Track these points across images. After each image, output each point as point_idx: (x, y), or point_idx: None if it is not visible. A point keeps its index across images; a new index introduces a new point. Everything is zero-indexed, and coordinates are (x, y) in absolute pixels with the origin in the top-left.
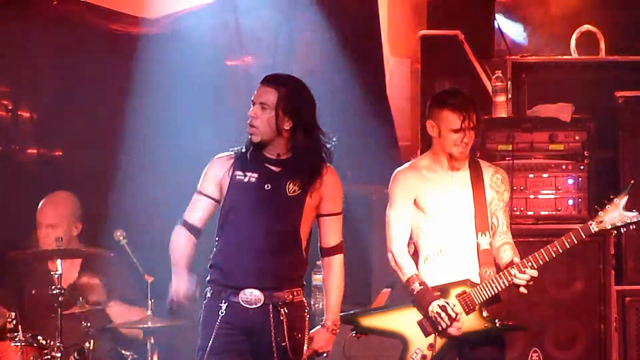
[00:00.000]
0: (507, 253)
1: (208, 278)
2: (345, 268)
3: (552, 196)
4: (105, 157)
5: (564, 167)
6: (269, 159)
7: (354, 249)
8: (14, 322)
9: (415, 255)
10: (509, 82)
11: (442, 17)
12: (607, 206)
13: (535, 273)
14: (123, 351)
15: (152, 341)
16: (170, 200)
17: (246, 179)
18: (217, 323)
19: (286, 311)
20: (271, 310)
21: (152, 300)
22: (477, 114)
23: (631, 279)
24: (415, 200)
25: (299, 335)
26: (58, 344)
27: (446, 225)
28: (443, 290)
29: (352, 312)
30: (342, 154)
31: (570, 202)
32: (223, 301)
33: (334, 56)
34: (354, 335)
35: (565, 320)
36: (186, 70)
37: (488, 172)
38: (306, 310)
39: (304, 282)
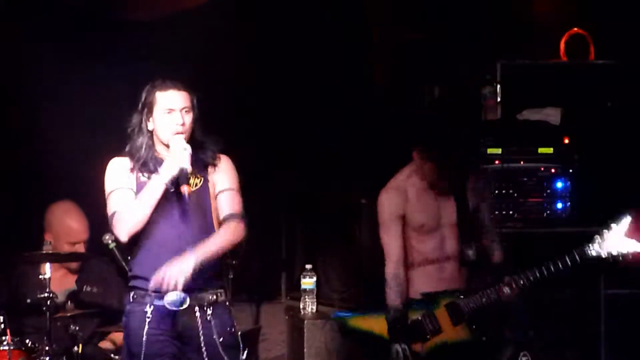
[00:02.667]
0: (496, 253)
1: (130, 284)
2: (334, 271)
3: (541, 200)
4: (90, 160)
5: (553, 170)
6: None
7: (343, 252)
8: (2, 325)
9: (405, 262)
10: (499, 86)
11: None
12: (606, 235)
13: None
14: (112, 355)
15: None
16: None
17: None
18: (145, 329)
19: (212, 310)
20: (197, 310)
21: None
22: None
23: (621, 283)
24: (403, 217)
25: (232, 330)
26: (47, 348)
27: (433, 236)
28: (432, 299)
29: (342, 314)
30: None
31: (560, 205)
32: (148, 305)
33: None
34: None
35: (554, 325)
36: None
37: (471, 177)
38: (231, 310)
39: (230, 278)
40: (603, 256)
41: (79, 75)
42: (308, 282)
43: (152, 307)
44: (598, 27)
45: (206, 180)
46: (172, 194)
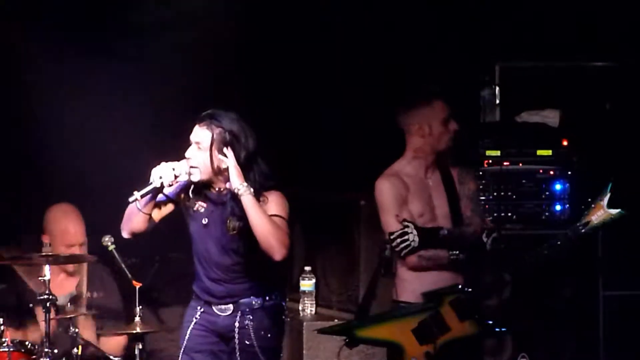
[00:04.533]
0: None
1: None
2: (333, 273)
3: (540, 201)
4: (92, 162)
5: (551, 172)
6: (211, 194)
7: (342, 254)
8: (2, 327)
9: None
10: (497, 88)
11: None
12: (592, 205)
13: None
14: (111, 357)
15: (140, 347)
16: None
17: (195, 208)
18: (192, 324)
19: (251, 317)
20: (238, 316)
21: (140, 307)
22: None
23: (620, 285)
24: (405, 203)
25: (268, 335)
26: (46, 350)
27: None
28: (435, 298)
29: (346, 322)
30: None
31: (558, 207)
32: (200, 307)
33: None
34: (345, 345)
35: (553, 326)
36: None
37: (455, 169)
38: (283, 314)
39: (285, 284)
40: (594, 226)
41: (80, 77)
42: (307, 284)
43: (202, 308)
44: (597, 29)
45: (244, 229)
46: (208, 229)
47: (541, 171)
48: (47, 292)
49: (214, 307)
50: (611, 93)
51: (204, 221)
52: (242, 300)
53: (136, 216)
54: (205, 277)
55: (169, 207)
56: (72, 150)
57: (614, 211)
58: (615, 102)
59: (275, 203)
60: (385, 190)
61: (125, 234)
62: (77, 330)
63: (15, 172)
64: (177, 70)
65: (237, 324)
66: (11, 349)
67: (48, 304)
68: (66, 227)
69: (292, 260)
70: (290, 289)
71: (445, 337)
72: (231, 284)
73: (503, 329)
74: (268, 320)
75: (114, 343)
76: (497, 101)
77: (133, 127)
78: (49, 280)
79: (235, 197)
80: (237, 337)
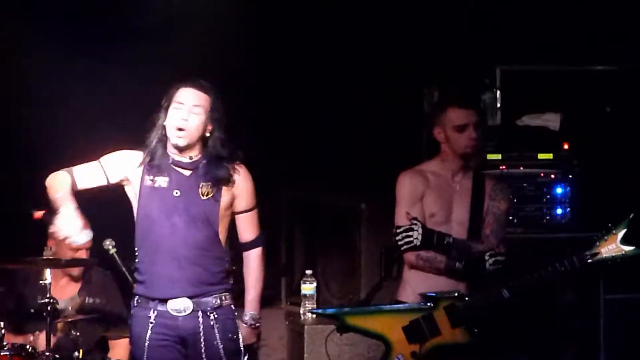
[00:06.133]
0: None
1: (134, 290)
2: (334, 277)
3: (541, 205)
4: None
5: (552, 176)
6: (179, 162)
7: (343, 257)
8: (2, 332)
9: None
10: (498, 91)
11: None
12: (605, 237)
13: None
14: None
15: None
16: None
17: (156, 185)
18: (148, 334)
19: (216, 315)
20: (200, 316)
21: None
22: (480, 110)
23: (620, 288)
24: (421, 200)
25: (234, 336)
26: (47, 353)
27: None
28: (432, 300)
29: (338, 310)
30: None
31: (559, 211)
32: (151, 310)
33: None
34: (335, 330)
35: (554, 329)
36: None
37: (491, 182)
38: (235, 314)
39: (230, 283)
40: (603, 259)
41: (83, 75)
42: (308, 288)
43: (155, 312)
44: (598, 32)
45: (218, 194)
46: (176, 201)
47: (542, 175)
48: (47, 296)
49: (169, 308)
50: (612, 96)
51: (176, 193)
52: (202, 299)
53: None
54: (163, 264)
55: (96, 180)
56: (71, 155)
57: (628, 248)
58: (615, 105)
59: (245, 188)
60: (402, 183)
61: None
62: (78, 334)
63: (16, 177)
64: (177, 73)
65: (201, 325)
66: (12, 354)
67: (49, 308)
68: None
69: (293, 263)
70: (290, 292)
71: (434, 340)
72: (195, 265)
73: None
74: (230, 321)
75: (120, 348)
76: (498, 105)
77: (135, 132)
78: (49, 284)
79: (210, 162)
80: (202, 340)
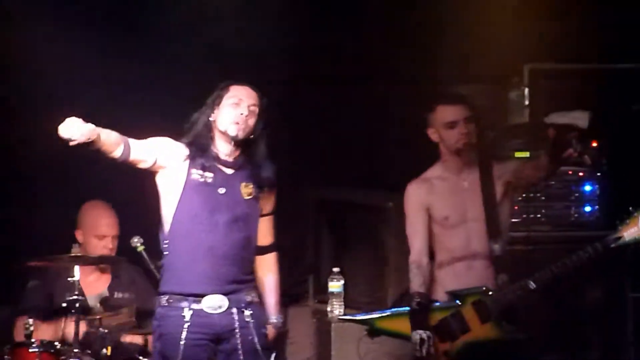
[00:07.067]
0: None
1: (162, 288)
2: (362, 275)
3: (569, 203)
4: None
5: (581, 174)
6: (224, 160)
7: (370, 255)
8: (31, 328)
9: (432, 261)
10: (526, 89)
11: None
12: (627, 221)
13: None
14: (140, 357)
15: None
16: None
17: (202, 180)
18: (184, 334)
19: (250, 311)
20: (235, 312)
21: None
22: (471, 105)
23: None
24: (427, 209)
25: (266, 332)
26: (75, 351)
27: (459, 232)
28: (459, 297)
29: (367, 314)
30: None
31: (587, 209)
32: (186, 310)
33: None
34: (366, 335)
35: (581, 328)
36: None
37: (497, 165)
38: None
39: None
40: (626, 243)
41: (109, 76)
42: (335, 285)
43: (191, 311)
44: (625, 31)
45: (258, 195)
46: (221, 199)
47: (570, 172)
48: (76, 292)
49: (204, 306)
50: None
51: (221, 191)
52: (235, 296)
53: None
54: (200, 261)
55: (146, 155)
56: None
57: None
58: None
59: (274, 192)
60: (406, 196)
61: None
62: (106, 330)
63: (44, 175)
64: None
65: (237, 322)
66: (40, 350)
67: (77, 305)
68: (97, 218)
69: (320, 261)
70: (318, 290)
71: (464, 337)
72: (232, 265)
73: (524, 336)
74: (262, 317)
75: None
76: (526, 102)
77: (160, 126)
78: (78, 281)
79: (255, 163)
80: (239, 336)
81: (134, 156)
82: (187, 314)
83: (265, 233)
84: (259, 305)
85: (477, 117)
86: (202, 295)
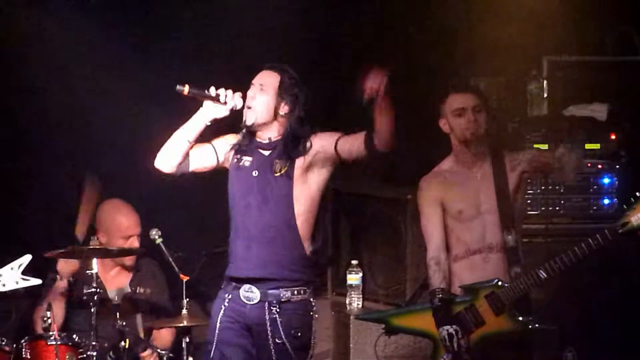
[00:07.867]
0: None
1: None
2: (380, 267)
3: (588, 195)
4: (134, 157)
5: (600, 166)
6: (260, 143)
7: (389, 248)
8: (49, 321)
9: (448, 254)
10: (545, 81)
11: None
12: (634, 206)
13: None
14: (159, 350)
15: (187, 340)
16: (205, 198)
17: (240, 164)
18: (220, 314)
19: (279, 310)
20: (266, 307)
21: (187, 299)
22: (481, 95)
23: None
24: (442, 204)
25: (299, 333)
26: (93, 343)
27: (474, 224)
28: (471, 291)
29: (384, 311)
30: None
31: (606, 201)
32: (228, 294)
33: None
34: (383, 333)
35: (600, 320)
36: None
37: (510, 156)
38: (311, 311)
39: (313, 280)
40: (634, 228)
41: (123, 74)
42: (354, 278)
43: (230, 295)
44: None
45: (291, 170)
46: (253, 181)
47: (589, 165)
48: (94, 285)
49: (241, 294)
50: None
51: (255, 173)
52: (270, 291)
53: (178, 143)
54: (238, 244)
55: (208, 160)
56: (119, 146)
57: None
58: None
59: (321, 135)
60: (420, 191)
61: (156, 162)
62: (124, 323)
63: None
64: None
65: (267, 317)
66: (58, 342)
67: (95, 298)
68: (120, 220)
69: (339, 254)
70: (336, 283)
71: (480, 330)
72: (264, 247)
73: (540, 326)
74: (297, 317)
75: (163, 337)
76: (545, 95)
77: (177, 120)
78: (96, 274)
79: (286, 141)
80: (270, 332)
81: (193, 167)
82: (227, 297)
83: (353, 139)
84: (303, 303)
85: (488, 108)
86: (239, 279)
